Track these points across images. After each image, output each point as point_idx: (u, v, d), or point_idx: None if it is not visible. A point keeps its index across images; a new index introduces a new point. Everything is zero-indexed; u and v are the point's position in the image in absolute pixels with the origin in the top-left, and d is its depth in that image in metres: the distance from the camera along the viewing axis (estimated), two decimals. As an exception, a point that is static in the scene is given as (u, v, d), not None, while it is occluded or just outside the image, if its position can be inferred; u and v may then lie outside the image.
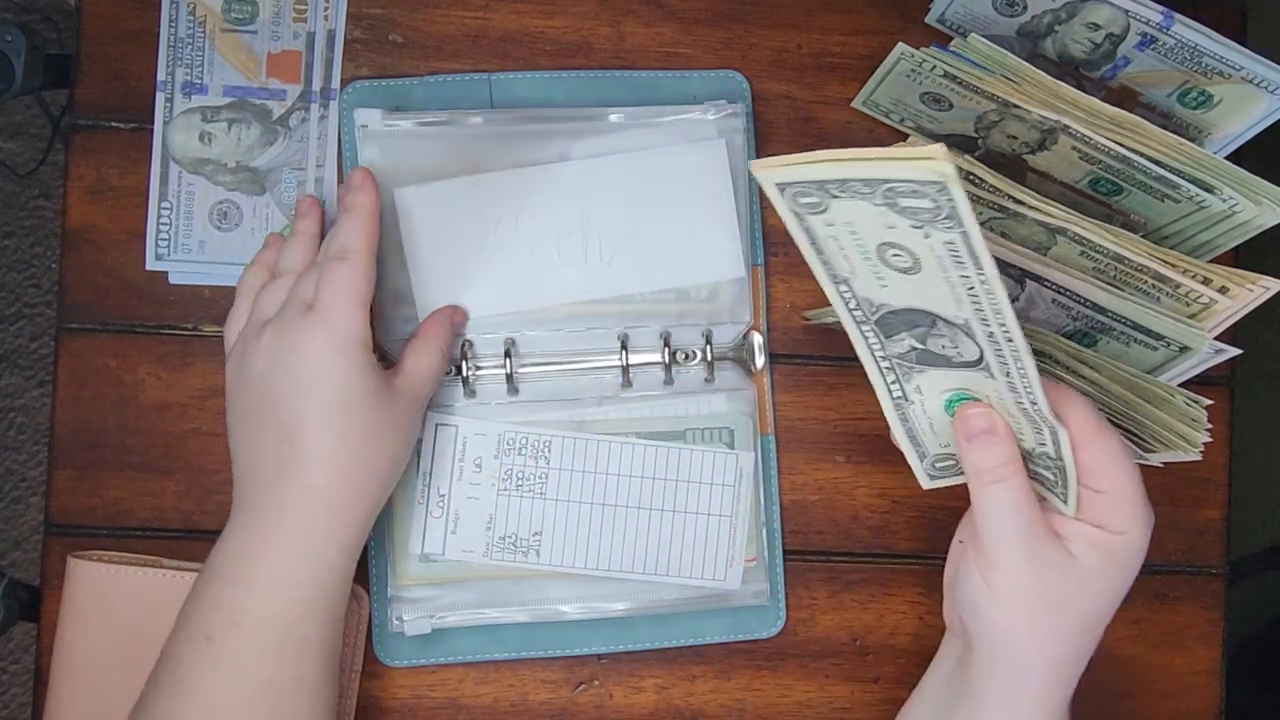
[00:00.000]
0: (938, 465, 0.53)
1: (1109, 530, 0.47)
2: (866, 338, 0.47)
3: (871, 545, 0.62)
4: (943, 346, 0.46)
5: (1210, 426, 0.54)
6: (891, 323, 0.46)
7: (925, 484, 0.54)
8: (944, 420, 0.50)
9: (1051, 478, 0.48)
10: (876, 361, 0.48)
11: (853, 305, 0.45)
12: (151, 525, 0.60)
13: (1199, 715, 0.64)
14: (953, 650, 0.52)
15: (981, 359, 0.45)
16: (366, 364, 0.51)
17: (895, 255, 0.42)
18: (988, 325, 0.43)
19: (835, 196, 0.41)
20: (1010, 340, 0.43)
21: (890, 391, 0.49)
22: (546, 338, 0.60)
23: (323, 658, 0.50)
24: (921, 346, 0.46)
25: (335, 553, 0.51)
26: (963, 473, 0.50)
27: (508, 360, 0.59)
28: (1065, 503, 0.48)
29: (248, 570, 0.50)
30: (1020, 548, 0.45)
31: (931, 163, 0.38)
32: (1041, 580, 0.46)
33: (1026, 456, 0.49)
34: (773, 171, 0.41)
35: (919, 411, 0.50)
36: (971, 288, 0.42)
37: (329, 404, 0.50)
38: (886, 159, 0.39)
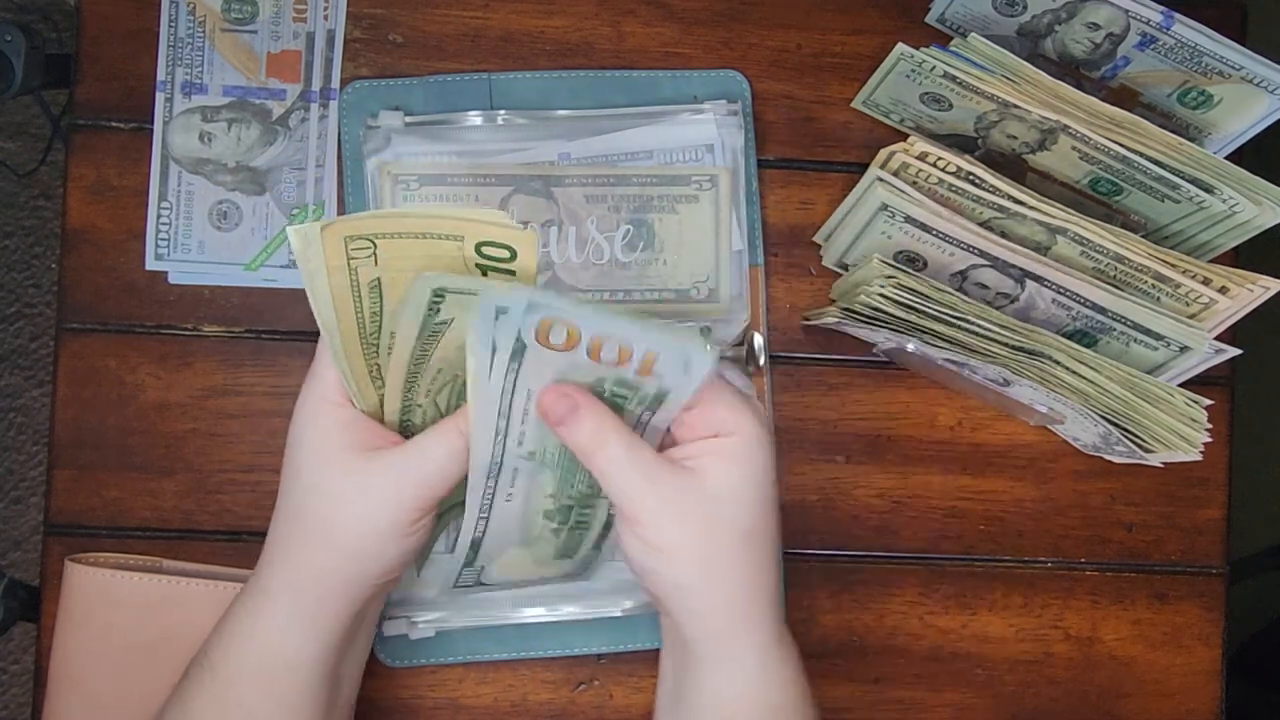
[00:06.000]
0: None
1: (723, 434, 0.46)
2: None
3: (871, 545, 0.62)
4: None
5: (1210, 426, 0.54)
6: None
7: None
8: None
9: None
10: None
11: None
12: (152, 525, 0.60)
13: (1199, 715, 0.64)
14: (665, 627, 0.51)
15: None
16: (334, 420, 0.48)
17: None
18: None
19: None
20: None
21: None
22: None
23: None
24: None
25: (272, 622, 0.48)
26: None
27: (508, 360, 0.59)
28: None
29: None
30: (649, 492, 0.45)
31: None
32: (682, 510, 0.45)
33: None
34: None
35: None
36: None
37: (287, 455, 0.49)
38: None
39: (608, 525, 0.51)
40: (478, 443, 0.45)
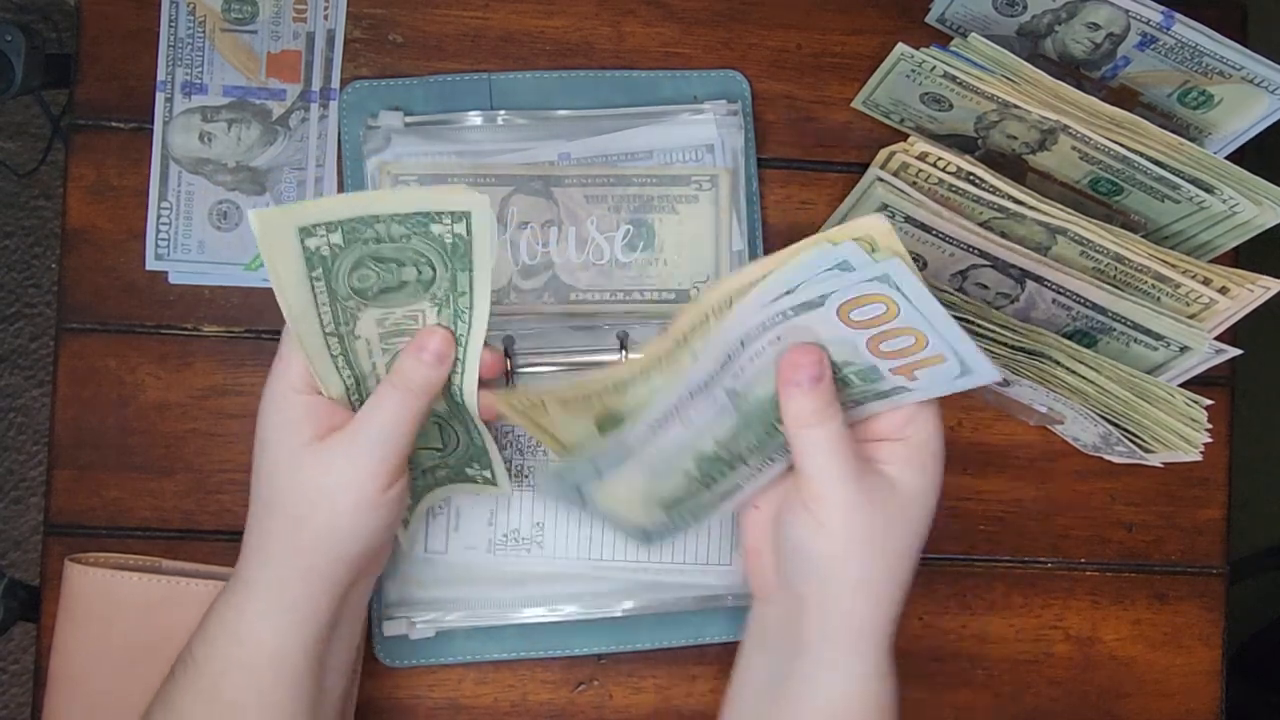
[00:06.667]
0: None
1: (909, 440, 0.47)
2: None
3: (871, 545, 0.62)
4: None
5: (1210, 426, 0.54)
6: None
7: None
8: None
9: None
10: None
11: None
12: (151, 525, 0.60)
13: (1199, 715, 0.64)
14: (766, 618, 0.51)
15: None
16: (297, 408, 0.48)
17: None
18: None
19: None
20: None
21: None
22: (546, 336, 0.60)
23: None
24: None
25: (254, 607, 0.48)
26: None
27: (507, 359, 0.59)
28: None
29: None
30: (849, 480, 0.46)
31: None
32: (870, 507, 0.46)
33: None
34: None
35: None
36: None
37: (255, 447, 0.49)
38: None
39: (722, 497, 0.51)
40: (709, 353, 0.45)
